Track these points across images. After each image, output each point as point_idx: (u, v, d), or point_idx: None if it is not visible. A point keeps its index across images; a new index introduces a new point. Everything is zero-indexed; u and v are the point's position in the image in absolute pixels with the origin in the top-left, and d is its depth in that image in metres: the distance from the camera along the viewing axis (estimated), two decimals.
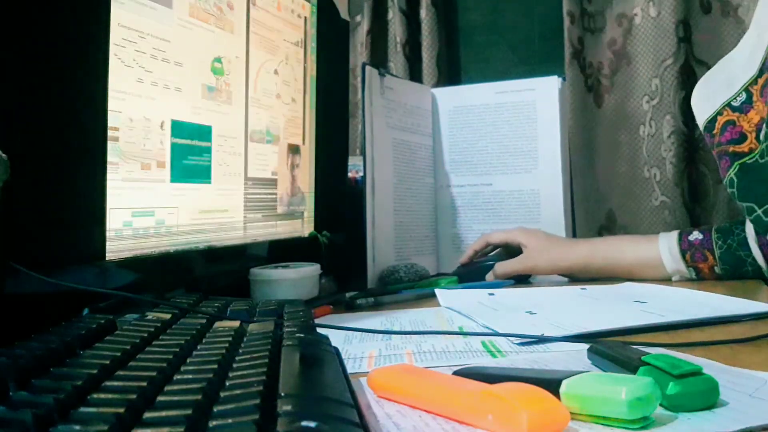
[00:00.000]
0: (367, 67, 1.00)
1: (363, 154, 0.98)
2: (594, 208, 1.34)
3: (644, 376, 0.36)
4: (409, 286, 0.92)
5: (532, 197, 1.11)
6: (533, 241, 0.97)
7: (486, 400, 0.34)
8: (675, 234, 0.91)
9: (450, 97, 1.18)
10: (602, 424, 0.34)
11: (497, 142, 1.14)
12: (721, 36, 1.24)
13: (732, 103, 0.84)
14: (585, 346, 0.48)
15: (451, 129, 1.17)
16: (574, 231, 1.15)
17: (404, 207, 1.07)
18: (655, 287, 0.81)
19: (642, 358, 0.39)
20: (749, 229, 0.85)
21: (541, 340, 0.55)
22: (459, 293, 0.83)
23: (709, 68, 1.24)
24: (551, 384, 0.35)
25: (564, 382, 0.35)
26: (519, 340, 0.55)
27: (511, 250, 0.99)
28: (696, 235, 0.89)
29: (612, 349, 0.44)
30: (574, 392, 0.35)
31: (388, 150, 1.04)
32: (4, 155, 0.43)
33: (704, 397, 0.36)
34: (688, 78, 1.25)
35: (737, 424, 0.33)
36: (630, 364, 0.39)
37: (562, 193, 1.10)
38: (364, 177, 0.97)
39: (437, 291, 0.83)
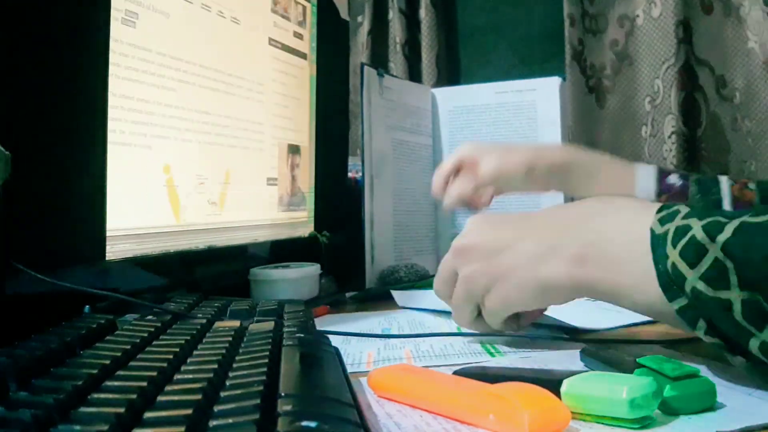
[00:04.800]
0: (366, 68, 1.00)
1: (362, 154, 0.98)
2: None
3: (644, 376, 0.36)
4: (408, 286, 0.92)
5: (532, 197, 1.11)
6: (494, 149, 0.81)
7: (487, 399, 0.34)
8: (653, 169, 0.77)
9: (450, 97, 1.18)
10: (603, 424, 0.34)
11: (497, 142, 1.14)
12: (723, 36, 1.24)
13: None
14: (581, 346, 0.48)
15: (451, 129, 1.17)
16: None
17: (404, 207, 1.07)
18: None
19: (637, 360, 0.39)
20: (725, 188, 0.75)
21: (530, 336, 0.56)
22: (415, 294, 0.82)
23: (710, 68, 1.26)
24: (552, 383, 0.35)
25: (565, 382, 0.35)
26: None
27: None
28: (675, 179, 0.76)
29: (606, 351, 0.44)
30: (575, 392, 0.35)
31: (387, 150, 1.04)
32: (6, 152, 0.43)
33: (701, 399, 0.36)
34: (689, 78, 1.25)
35: (737, 423, 0.33)
36: (625, 367, 0.39)
37: (562, 193, 1.10)
38: (362, 177, 0.97)
39: (393, 292, 0.81)
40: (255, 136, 0.86)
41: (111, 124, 0.61)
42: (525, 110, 1.12)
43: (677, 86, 1.25)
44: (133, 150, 0.65)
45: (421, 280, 0.97)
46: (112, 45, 0.61)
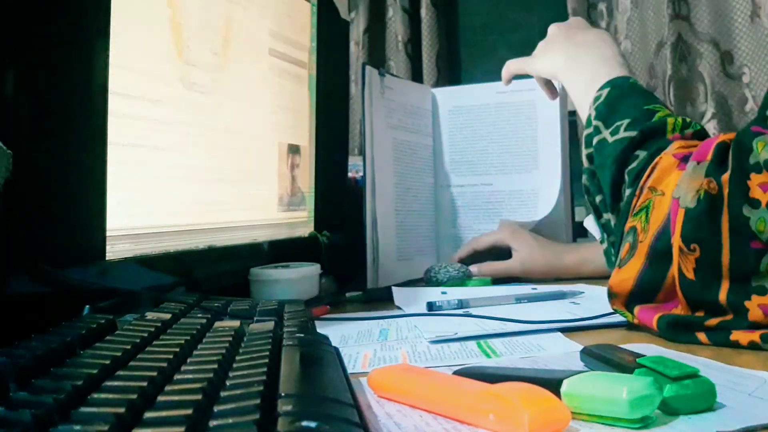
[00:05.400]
0: (367, 67, 1.00)
1: (363, 154, 0.98)
2: None
3: (644, 376, 0.36)
4: (452, 284, 0.94)
5: (532, 197, 1.11)
6: (524, 245, 0.98)
7: (487, 399, 0.34)
8: None
9: (450, 97, 1.18)
10: (603, 424, 0.34)
11: (497, 142, 1.14)
12: (727, 8, 1.21)
13: None
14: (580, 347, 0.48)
15: (451, 129, 1.17)
16: (574, 232, 1.15)
17: (404, 207, 1.07)
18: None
19: (637, 360, 0.39)
20: None
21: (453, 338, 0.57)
22: (416, 292, 0.83)
23: (715, 44, 1.21)
24: (552, 383, 0.35)
25: (565, 382, 0.35)
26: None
27: (499, 254, 1.00)
28: None
29: (606, 351, 0.44)
30: (575, 392, 0.35)
31: (388, 150, 1.04)
32: (8, 150, 0.43)
33: (702, 399, 0.36)
34: (686, 57, 1.23)
35: (737, 423, 0.33)
36: (625, 367, 0.39)
37: (563, 193, 1.10)
38: (363, 177, 0.97)
39: (394, 289, 0.84)
40: (255, 136, 0.86)
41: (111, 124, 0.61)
42: (525, 110, 1.12)
43: (673, 65, 1.22)
44: (133, 150, 0.65)
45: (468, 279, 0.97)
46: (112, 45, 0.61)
